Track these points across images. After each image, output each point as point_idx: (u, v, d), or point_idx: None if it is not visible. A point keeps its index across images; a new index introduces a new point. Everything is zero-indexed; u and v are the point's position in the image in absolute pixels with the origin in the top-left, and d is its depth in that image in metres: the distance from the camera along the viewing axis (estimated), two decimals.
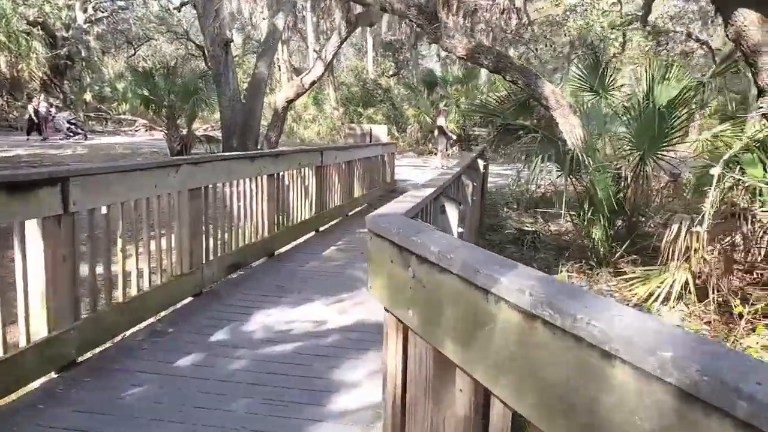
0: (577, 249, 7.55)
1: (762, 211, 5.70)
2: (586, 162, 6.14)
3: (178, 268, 4.80)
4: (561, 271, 6.33)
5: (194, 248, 4.99)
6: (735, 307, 4.46)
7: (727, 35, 3.80)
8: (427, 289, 1.45)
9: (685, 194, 6.88)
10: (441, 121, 18.75)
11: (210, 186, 5.31)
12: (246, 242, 6.05)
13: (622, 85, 9.14)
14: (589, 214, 6.51)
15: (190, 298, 4.92)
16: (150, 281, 4.44)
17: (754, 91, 9.51)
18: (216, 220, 5.51)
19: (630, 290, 6.23)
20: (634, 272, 6.60)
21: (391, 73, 35.46)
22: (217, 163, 5.48)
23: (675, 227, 5.56)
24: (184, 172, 4.75)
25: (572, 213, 8.73)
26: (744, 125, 9.14)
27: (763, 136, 6.72)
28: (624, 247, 6.93)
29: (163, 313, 4.54)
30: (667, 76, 6.74)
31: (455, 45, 7.12)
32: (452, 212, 2.88)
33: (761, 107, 3.73)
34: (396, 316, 1.72)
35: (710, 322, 5.67)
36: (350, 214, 9.82)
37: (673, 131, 6.28)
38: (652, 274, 6.01)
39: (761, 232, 5.64)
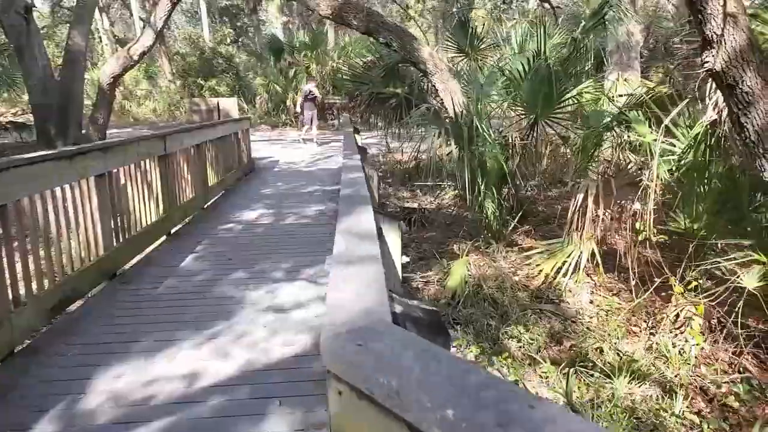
0: (467, 224, 7.02)
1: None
2: (485, 133, 5.52)
3: None
4: (461, 256, 5.72)
5: None
6: (674, 286, 4.10)
7: None
8: None
9: (571, 157, 6.58)
10: (311, 87, 17.00)
11: (10, 204, 3.82)
12: (75, 267, 4.61)
13: (487, 46, 8.68)
14: (483, 186, 5.93)
15: None
16: None
17: (610, 46, 9.61)
18: (26, 247, 4.02)
19: (532, 267, 5.80)
20: (532, 246, 6.20)
21: (229, 40, 32.93)
22: (19, 169, 3.96)
23: (580, 197, 5.14)
24: None
25: (452, 185, 8.21)
26: (602, 82, 9.15)
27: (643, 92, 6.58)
28: (517, 218, 6.51)
29: None
30: (549, 33, 6.31)
31: (318, 3, 6.04)
32: (392, 235, 1.97)
33: (707, 61, 3.26)
34: None
35: (618, 293, 5.41)
36: (207, 206, 8.46)
37: (566, 91, 5.87)
38: (556, 248, 5.60)
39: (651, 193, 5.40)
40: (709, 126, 4.70)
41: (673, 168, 5.25)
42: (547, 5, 18.77)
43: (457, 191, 8.12)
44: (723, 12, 3.03)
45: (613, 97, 7.55)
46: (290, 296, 4.68)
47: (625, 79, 8.39)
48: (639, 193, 5.28)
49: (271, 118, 24.67)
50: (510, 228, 6.50)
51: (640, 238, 4.36)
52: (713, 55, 3.18)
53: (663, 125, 4.37)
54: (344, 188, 2.27)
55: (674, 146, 5.09)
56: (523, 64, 6.00)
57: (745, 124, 3.22)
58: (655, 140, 4.90)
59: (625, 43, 8.96)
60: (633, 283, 4.74)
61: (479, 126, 5.53)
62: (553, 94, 5.73)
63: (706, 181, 5.12)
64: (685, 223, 5.28)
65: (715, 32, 3.12)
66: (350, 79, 8.99)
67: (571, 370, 3.59)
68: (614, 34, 8.17)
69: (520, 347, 4.30)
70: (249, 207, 8.43)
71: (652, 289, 4.57)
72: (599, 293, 5.38)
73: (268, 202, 8.85)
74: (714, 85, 4.45)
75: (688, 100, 4.28)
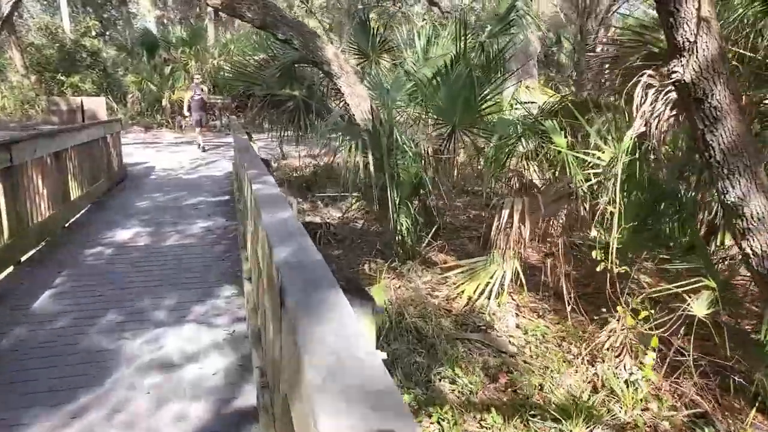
0: (378, 240, 6.46)
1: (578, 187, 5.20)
2: (405, 145, 4.96)
3: None
4: (378, 278, 5.12)
5: None
6: (626, 317, 3.75)
7: None
8: None
9: (483, 168, 6.24)
10: (196, 87, 15.38)
11: None
12: None
13: (388, 49, 8.19)
14: (398, 200, 5.38)
15: None
16: None
17: (509, 53, 9.52)
18: None
19: (452, 287, 5.34)
20: (448, 264, 5.76)
21: (95, 33, 29.93)
22: None
23: (505, 213, 4.75)
24: None
25: (357, 196, 7.63)
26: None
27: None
28: (431, 233, 6.05)
29: None
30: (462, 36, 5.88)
31: None
32: (365, 320, 1.31)
33: (675, 72, 2.93)
34: None
35: (543, 315, 5.09)
36: (69, 224, 7.16)
37: (487, 99, 5.47)
38: (478, 267, 5.19)
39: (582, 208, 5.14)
40: (636, 139, 4.52)
41: (594, 182, 5.01)
42: (436, 10, 18.88)
43: (361, 203, 7.54)
44: (697, 16, 2.72)
45: (513, 105, 7.37)
46: (178, 344, 3.82)
47: (527, 87, 8.29)
48: (584, 210, 4.99)
49: (145, 119, 22.60)
50: (424, 244, 6.02)
51: (598, 269, 4.03)
52: (683, 65, 2.87)
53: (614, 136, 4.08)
54: (279, 246, 1.53)
55: (599, 159, 4.86)
56: (440, 69, 5.53)
57: (710, 142, 2.94)
58: (575, 150, 4.64)
59: (523, 50, 8.90)
60: (569, 309, 4.42)
61: (399, 137, 4.97)
62: (473, 102, 5.33)
63: (625, 194, 4.93)
64: (604, 238, 5.09)
65: (687, 39, 2.80)
66: (241, 78, 8.07)
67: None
68: (519, 39, 8.04)
69: (453, 390, 3.79)
70: (121, 225, 7.25)
71: (582, 313, 4.29)
72: (524, 315, 5.04)
73: (144, 218, 7.70)
74: (645, 97, 4.24)
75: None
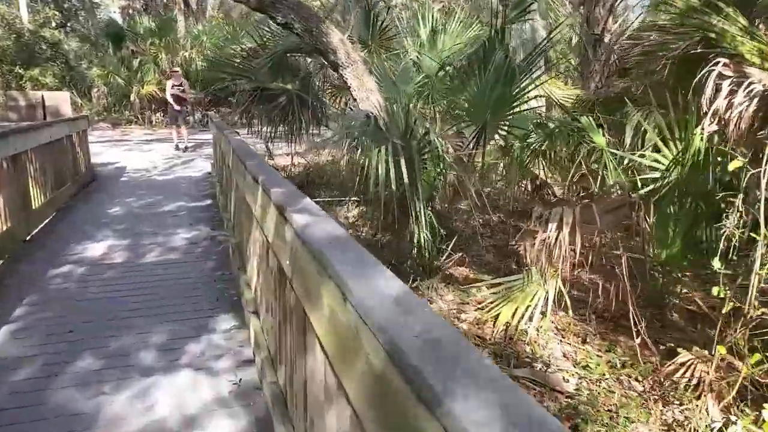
0: (386, 251, 5.75)
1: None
2: (441, 149, 4.24)
3: None
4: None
5: None
6: (742, 366, 3.08)
7: None
8: None
9: (506, 169, 5.57)
10: (174, 84, 14.19)
11: None
12: None
13: (390, 38, 7.44)
14: (418, 209, 4.66)
15: None
16: None
17: (513, 43, 8.87)
18: None
19: (482, 309, 4.67)
20: (470, 279, 5.09)
21: (55, 24, 28.32)
22: None
23: (552, 226, 4.08)
24: None
25: (357, 198, 6.91)
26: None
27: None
28: (451, 245, 5.37)
29: None
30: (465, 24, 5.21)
31: None
32: None
33: None
34: None
35: (587, 340, 4.45)
36: (30, 237, 6.27)
37: (522, 93, 4.79)
38: (515, 286, 4.52)
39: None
40: (707, 140, 3.91)
41: (642, 188, 4.35)
42: None
43: (361, 209, 6.81)
44: None
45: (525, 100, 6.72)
46: (173, 400, 3.06)
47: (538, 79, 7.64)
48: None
49: (112, 115, 21.41)
50: (444, 257, 5.33)
51: (724, 310, 3.32)
52: None
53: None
54: (455, 400, 0.75)
55: (658, 162, 4.24)
56: (471, 58, 4.81)
57: None
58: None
59: (531, 39, 8.27)
60: (638, 340, 3.77)
61: (435, 140, 4.25)
62: (509, 96, 4.65)
63: (686, 200, 4.28)
64: (653, 250, 4.49)
65: None
66: (226, 70, 7.22)
67: None
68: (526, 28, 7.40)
69: None
70: (92, 236, 6.38)
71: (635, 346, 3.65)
72: (567, 341, 4.41)
73: (117, 227, 6.83)
74: (716, 90, 3.62)
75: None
